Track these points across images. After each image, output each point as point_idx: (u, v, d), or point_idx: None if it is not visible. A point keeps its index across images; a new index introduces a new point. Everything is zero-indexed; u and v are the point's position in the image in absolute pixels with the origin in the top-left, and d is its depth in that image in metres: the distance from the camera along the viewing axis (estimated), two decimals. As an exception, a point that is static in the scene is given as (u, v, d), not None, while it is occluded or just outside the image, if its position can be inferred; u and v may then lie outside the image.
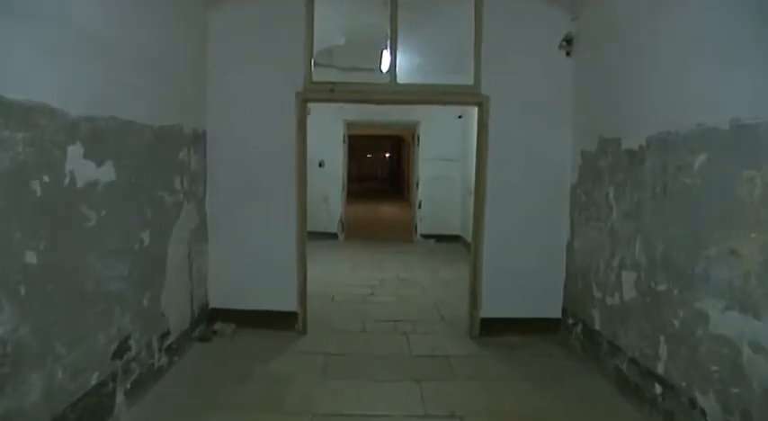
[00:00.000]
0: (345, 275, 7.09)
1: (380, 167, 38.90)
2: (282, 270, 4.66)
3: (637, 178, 3.35)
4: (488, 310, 4.63)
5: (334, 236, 10.07)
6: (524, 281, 4.61)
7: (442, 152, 9.97)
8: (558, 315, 4.65)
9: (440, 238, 10.00)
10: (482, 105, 4.45)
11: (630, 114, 3.48)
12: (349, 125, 10.10)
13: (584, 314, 4.14)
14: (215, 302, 4.70)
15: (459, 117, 9.83)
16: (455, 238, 9.97)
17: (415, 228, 10.10)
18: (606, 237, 3.78)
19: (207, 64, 4.47)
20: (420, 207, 10.05)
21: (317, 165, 10.00)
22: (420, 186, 10.04)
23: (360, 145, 35.65)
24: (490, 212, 4.56)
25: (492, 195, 4.55)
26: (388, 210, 17.52)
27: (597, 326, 3.92)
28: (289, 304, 4.68)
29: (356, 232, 10.94)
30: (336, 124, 9.93)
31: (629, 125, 3.49)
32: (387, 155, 37.11)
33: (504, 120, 4.48)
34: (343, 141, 10.00)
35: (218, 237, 4.63)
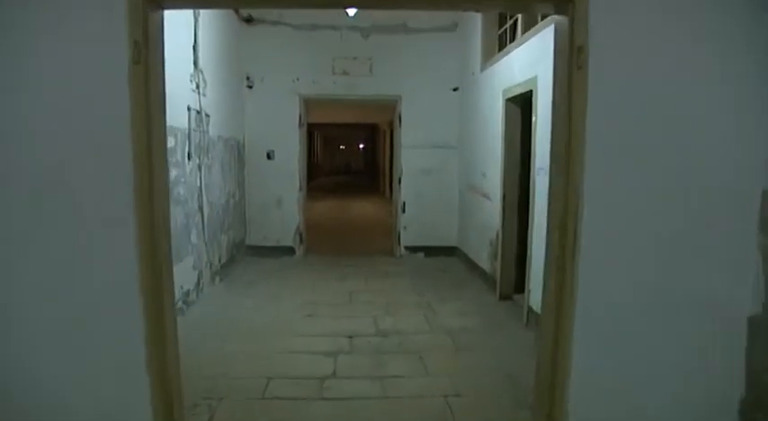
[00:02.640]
0: (295, 326, 4.54)
1: (354, 160, 36.58)
2: (120, 376, 2.11)
3: None
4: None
5: (290, 251, 7.50)
6: (656, 391, 2.15)
7: (433, 137, 7.47)
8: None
9: (430, 251, 7.54)
10: (573, 8, 1.95)
11: None
12: (307, 102, 7.51)
13: None
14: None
15: (455, 89, 7.35)
16: (449, 251, 7.51)
17: (398, 237, 7.60)
18: None
19: None
20: (404, 211, 7.55)
21: (265, 156, 7.41)
22: (404, 183, 7.53)
23: (333, 136, 33.09)
24: (588, 246, 2.06)
25: (592, 208, 2.05)
26: (362, 208, 15.00)
27: None
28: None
29: (321, 242, 8.40)
30: (290, 102, 7.32)
31: None
32: (361, 146, 34.71)
33: (617, 50, 1.99)
34: (300, 124, 7.41)
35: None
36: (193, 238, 5.00)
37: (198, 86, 5.08)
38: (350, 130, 28.77)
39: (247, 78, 7.23)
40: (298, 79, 7.28)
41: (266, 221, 7.45)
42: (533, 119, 4.43)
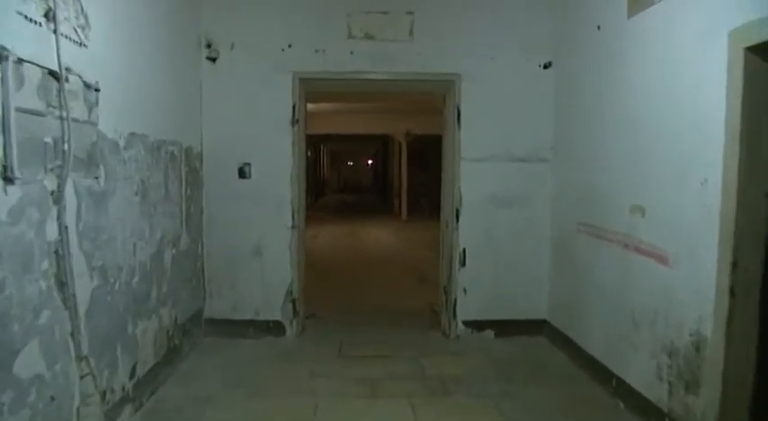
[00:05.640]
0: None
1: (363, 176, 34.05)
2: None
3: None
4: None
5: (276, 328, 4.57)
6: None
7: (512, 143, 4.58)
8: None
9: (503, 328, 4.61)
10: None
11: None
12: (306, 86, 4.63)
13: None
14: None
15: (547, 66, 4.48)
16: (534, 328, 4.60)
17: (453, 306, 4.65)
18: None
19: None
20: (464, 263, 4.61)
21: (236, 173, 4.52)
22: (463, 218, 4.60)
23: (338, 150, 30.22)
24: None
25: None
26: (377, 236, 12.12)
27: None
28: None
29: (326, 297, 5.51)
30: (277, 83, 4.45)
31: None
32: (369, 162, 32.08)
33: None
34: (294, 121, 4.53)
35: None
36: (30, 369, 2.09)
37: (52, 15, 2.22)
38: (358, 144, 26.01)
39: (208, 46, 4.39)
40: (290, 46, 4.43)
41: (238, 280, 4.54)
42: None
